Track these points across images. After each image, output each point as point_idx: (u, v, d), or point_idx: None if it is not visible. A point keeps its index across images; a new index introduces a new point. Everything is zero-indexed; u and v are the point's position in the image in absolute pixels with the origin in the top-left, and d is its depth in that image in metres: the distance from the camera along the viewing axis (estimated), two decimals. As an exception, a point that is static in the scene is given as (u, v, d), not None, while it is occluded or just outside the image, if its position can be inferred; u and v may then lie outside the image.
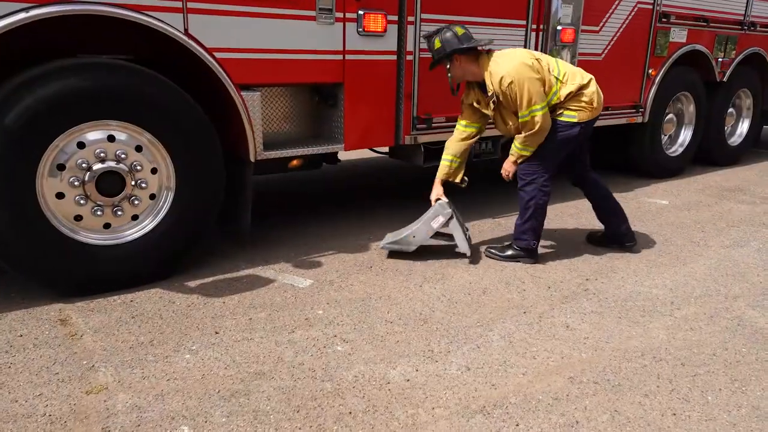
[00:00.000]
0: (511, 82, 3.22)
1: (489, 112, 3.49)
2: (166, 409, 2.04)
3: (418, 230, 3.46)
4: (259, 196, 4.67)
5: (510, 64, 3.26)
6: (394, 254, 3.54)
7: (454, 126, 4.12)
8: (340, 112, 3.63)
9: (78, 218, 2.82)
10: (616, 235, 3.81)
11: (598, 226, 3.95)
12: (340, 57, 3.51)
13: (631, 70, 5.31)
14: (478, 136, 3.68)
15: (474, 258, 3.59)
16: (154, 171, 2.97)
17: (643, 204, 5.00)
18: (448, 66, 3.39)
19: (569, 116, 3.36)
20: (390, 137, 3.94)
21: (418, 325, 2.72)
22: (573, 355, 2.49)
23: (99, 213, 2.85)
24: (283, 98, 3.61)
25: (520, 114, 3.29)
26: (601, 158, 6.32)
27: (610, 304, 3.00)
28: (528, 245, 3.51)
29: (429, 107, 4.00)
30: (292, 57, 3.33)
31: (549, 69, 3.35)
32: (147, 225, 3.01)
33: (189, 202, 3.06)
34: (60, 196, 2.74)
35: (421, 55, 3.86)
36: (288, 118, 3.67)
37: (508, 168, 3.53)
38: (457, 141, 3.63)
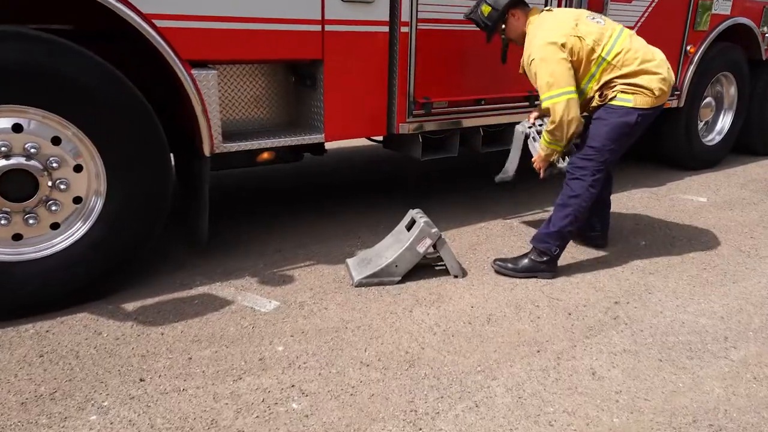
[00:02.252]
0: (533, 61, 2.77)
1: None
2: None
3: (402, 257, 2.79)
4: (227, 193, 4.08)
5: (542, 38, 2.77)
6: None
7: (458, 112, 3.53)
8: (319, 95, 3.01)
9: (-23, 229, 2.25)
10: (587, 236, 3.36)
11: (629, 232, 3.31)
12: (318, 28, 2.88)
13: (666, 46, 4.53)
14: None
15: (478, 271, 2.98)
16: (78, 169, 2.39)
17: (678, 202, 4.33)
18: (503, 27, 2.99)
19: (624, 99, 2.78)
20: (381, 125, 3.32)
21: (402, 369, 2.13)
22: (602, 420, 1.89)
23: (4, 222, 2.28)
24: (247, 78, 2.99)
25: (541, 97, 2.79)
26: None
27: (647, 340, 2.38)
28: (549, 250, 2.89)
29: (428, 89, 3.36)
30: (256, 27, 2.70)
31: (595, 48, 2.77)
32: (72, 235, 2.43)
33: (125, 206, 2.48)
34: (-50, 201, 2.17)
35: (419, 27, 3.22)
36: (255, 103, 3.06)
37: (537, 162, 3.07)
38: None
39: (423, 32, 3.24)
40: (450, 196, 4.17)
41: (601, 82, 2.81)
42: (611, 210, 3.36)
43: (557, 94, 2.71)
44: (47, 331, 2.29)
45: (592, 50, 2.77)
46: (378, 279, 2.79)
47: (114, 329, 2.33)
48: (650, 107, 2.79)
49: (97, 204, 2.45)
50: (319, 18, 2.87)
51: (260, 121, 3.11)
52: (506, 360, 2.20)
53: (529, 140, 3.32)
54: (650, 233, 3.62)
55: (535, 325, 2.46)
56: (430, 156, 3.58)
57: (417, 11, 3.17)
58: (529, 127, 3.35)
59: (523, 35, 2.95)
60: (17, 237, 2.33)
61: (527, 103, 3.82)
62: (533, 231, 3.59)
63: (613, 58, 2.76)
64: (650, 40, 4.44)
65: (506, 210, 3.97)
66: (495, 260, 3.01)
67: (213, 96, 2.62)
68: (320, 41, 2.91)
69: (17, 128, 2.23)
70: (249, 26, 2.68)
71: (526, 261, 2.94)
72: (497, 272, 2.95)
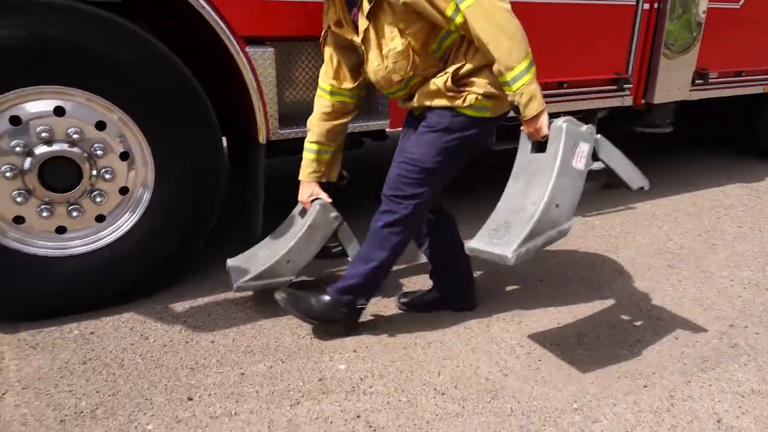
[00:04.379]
0: None
1: (357, 39, 2.00)
2: None
3: (294, 249, 2.25)
4: (281, 185, 3.83)
5: None
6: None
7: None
8: (385, 76, 2.69)
9: (18, 220, 2.07)
10: (445, 299, 2.35)
11: (733, 238, 2.86)
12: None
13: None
14: (357, 111, 2.25)
15: (559, 279, 2.63)
16: (124, 156, 2.17)
17: (783, 201, 3.81)
18: None
19: (480, 108, 1.92)
20: (452, 110, 2.97)
21: (483, 401, 1.82)
22: (737, 486, 1.54)
23: (46, 214, 2.09)
24: (308, 56, 2.70)
25: (447, 7, 1.79)
26: (717, 137, 5.11)
27: (777, 376, 1.99)
28: (351, 301, 2.11)
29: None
30: (320, -1, 2.39)
31: None
32: (118, 228, 2.23)
33: (175, 197, 2.26)
34: (-10, 191, 1.99)
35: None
36: (314, 85, 2.76)
37: (534, 127, 1.84)
38: (319, 119, 2.22)
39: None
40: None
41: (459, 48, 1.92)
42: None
43: None
44: (92, 333, 2.11)
45: None
46: (264, 282, 2.23)
47: (161, 334, 2.12)
48: (503, 114, 2.04)
49: (145, 195, 2.23)
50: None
51: (320, 104, 2.81)
52: (607, 396, 1.86)
53: (341, 228, 2.34)
54: (758, 238, 3.16)
55: (636, 351, 2.10)
56: (504, 145, 3.20)
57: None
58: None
59: None
60: (61, 230, 2.14)
61: (615, 87, 3.40)
62: (617, 231, 3.21)
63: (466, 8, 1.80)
64: (761, 17, 3.92)
65: (583, 206, 3.56)
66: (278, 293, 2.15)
67: (270, 77, 2.34)
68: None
69: (59, 112, 2.02)
70: (311, -2, 2.38)
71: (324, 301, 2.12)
72: (283, 306, 2.11)
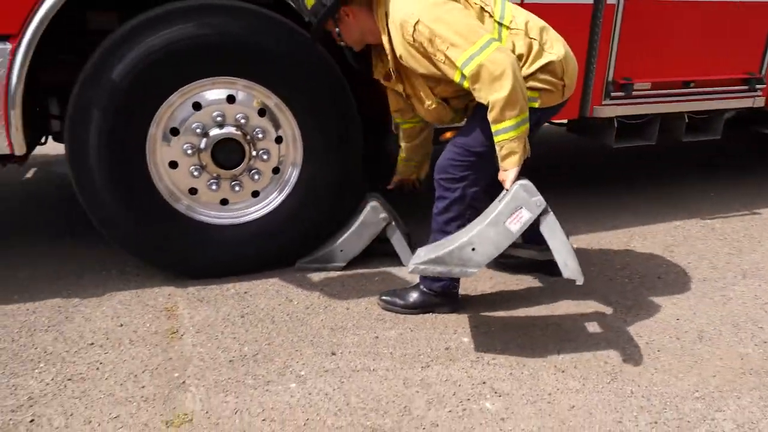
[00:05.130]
0: (417, 23, 1.91)
1: (399, 88, 2.23)
2: (253, 469, 1.55)
3: (347, 241, 2.57)
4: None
5: (410, 1, 1.97)
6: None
7: (662, 95, 3.13)
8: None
9: (193, 192, 2.42)
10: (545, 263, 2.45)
11: None
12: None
13: None
14: (430, 126, 2.51)
15: (678, 277, 2.63)
16: (278, 140, 2.47)
17: None
18: (337, 30, 2.12)
19: (528, 99, 1.97)
20: (573, 108, 3.02)
21: (603, 381, 1.92)
22: None
23: (215, 187, 2.43)
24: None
25: (454, 74, 1.94)
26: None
27: None
28: (443, 288, 2.27)
29: (630, 69, 3.01)
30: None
31: (484, 8, 2.03)
32: (270, 203, 2.54)
33: (319, 178, 2.53)
34: (173, 165, 2.35)
35: (626, -4, 2.87)
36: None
37: (502, 177, 2.00)
38: (401, 140, 2.56)
39: (632, 4, 2.88)
40: (633, 187, 3.77)
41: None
42: None
43: (481, 47, 1.87)
44: (245, 293, 2.42)
45: (482, 10, 2.02)
46: (318, 264, 2.60)
47: (303, 298, 2.40)
48: (555, 105, 2.15)
49: (293, 175, 2.52)
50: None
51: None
52: (731, 390, 1.89)
53: (390, 228, 2.60)
54: None
55: (762, 352, 2.10)
56: (624, 143, 3.23)
57: (627, -23, 2.81)
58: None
59: (370, 34, 2.12)
60: (224, 202, 2.48)
61: (746, 87, 3.29)
62: (741, 235, 3.13)
63: (509, 22, 2.02)
64: None
65: (703, 208, 3.49)
66: (381, 295, 2.38)
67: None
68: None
69: (230, 99, 2.34)
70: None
71: (415, 295, 2.32)
72: (385, 309, 2.33)
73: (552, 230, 1.95)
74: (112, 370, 1.93)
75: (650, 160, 4.37)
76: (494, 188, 2.08)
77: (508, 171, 1.96)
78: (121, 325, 2.18)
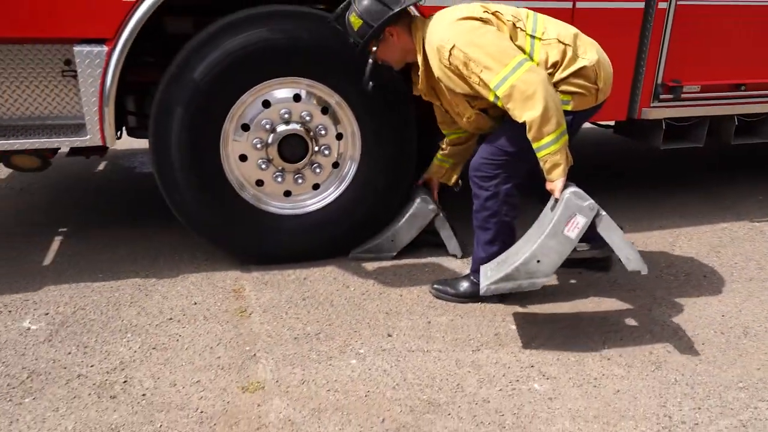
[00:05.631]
0: (453, 48, 2.03)
1: (437, 102, 2.42)
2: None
3: (398, 231, 2.73)
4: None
5: (446, 24, 2.10)
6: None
7: (712, 97, 3.16)
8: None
9: (259, 183, 2.62)
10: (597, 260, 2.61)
11: None
12: (569, 5, 2.78)
13: None
14: (474, 137, 2.56)
15: (725, 276, 2.68)
16: (339, 137, 2.64)
17: None
18: (374, 49, 2.24)
19: (561, 101, 2.07)
20: (621, 109, 3.11)
21: (647, 369, 2.01)
22: None
23: (280, 179, 2.62)
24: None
25: (488, 95, 2.07)
26: None
27: None
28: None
29: (679, 71, 3.06)
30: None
31: (516, 24, 2.12)
32: (329, 196, 2.71)
33: (375, 174, 2.68)
34: (243, 158, 2.55)
35: (679, 2, 2.92)
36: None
37: (550, 188, 2.11)
38: (446, 143, 2.66)
39: (682, 8, 2.94)
40: (679, 189, 3.79)
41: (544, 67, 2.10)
42: None
43: (513, 68, 1.98)
44: (305, 278, 2.60)
45: (515, 27, 2.12)
46: (372, 255, 2.76)
47: (359, 285, 2.56)
48: (590, 108, 2.20)
49: (351, 170, 2.69)
50: (572, -6, 2.76)
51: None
52: (775, 381, 1.96)
53: (438, 219, 2.75)
54: None
55: (808, 348, 2.15)
56: (671, 145, 3.28)
57: (680, -18, 2.87)
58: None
59: (410, 53, 2.27)
60: (287, 194, 2.67)
61: (800, 91, 3.29)
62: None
63: (541, 34, 2.11)
64: None
65: (750, 210, 3.49)
66: (433, 284, 2.51)
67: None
68: (570, 18, 2.80)
69: (296, 98, 2.53)
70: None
71: (466, 284, 2.44)
72: (436, 297, 2.46)
73: (609, 229, 2.04)
74: (190, 341, 2.13)
75: (697, 163, 4.37)
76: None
77: (556, 181, 2.06)
78: (195, 303, 2.39)
